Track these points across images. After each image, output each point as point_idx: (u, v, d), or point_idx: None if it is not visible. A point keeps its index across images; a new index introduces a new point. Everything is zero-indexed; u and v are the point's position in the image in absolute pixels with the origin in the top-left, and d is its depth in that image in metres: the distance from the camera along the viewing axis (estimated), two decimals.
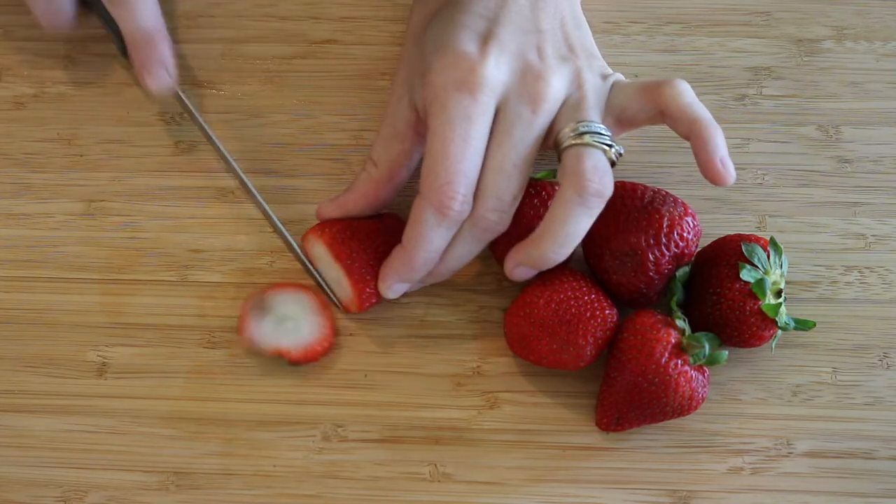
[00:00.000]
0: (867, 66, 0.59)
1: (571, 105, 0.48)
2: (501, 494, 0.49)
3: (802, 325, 0.49)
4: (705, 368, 0.48)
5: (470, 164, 0.46)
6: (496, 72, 0.46)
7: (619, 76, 0.51)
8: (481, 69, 0.46)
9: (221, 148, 0.55)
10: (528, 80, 0.47)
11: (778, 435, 0.50)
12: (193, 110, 0.55)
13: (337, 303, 0.52)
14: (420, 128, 0.50)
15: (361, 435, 0.50)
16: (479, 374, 0.52)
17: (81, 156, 0.57)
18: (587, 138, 0.46)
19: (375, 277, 0.50)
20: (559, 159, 0.47)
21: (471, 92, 0.46)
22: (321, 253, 0.51)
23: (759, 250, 0.49)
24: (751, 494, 0.49)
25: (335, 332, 0.51)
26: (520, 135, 0.46)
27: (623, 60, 0.59)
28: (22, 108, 0.58)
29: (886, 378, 0.51)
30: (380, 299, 0.50)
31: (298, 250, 0.53)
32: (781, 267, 0.49)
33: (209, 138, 0.55)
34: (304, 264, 0.53)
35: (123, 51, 0.55)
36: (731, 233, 0.51)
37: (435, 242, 0.47)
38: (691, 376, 0.47)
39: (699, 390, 0.47)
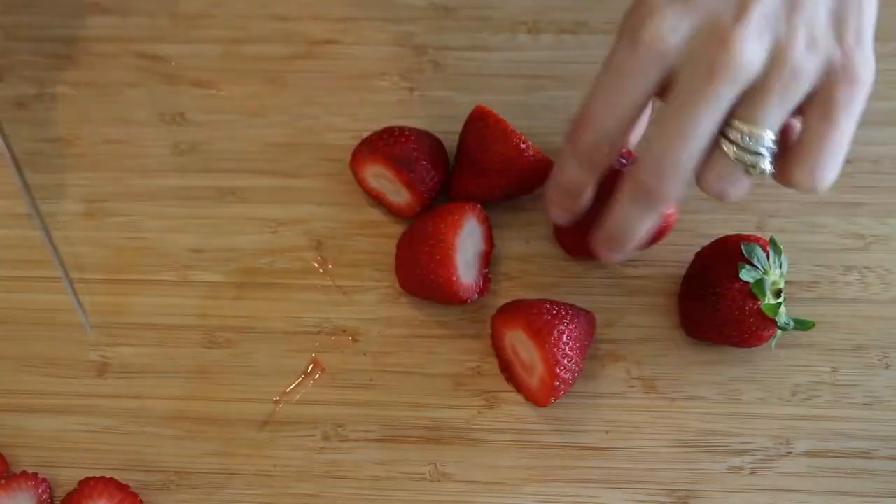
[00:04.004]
0: None
1: (756, 90, 0.41)
2: (501, 494, 0.49)
3: (802, 325, 0.49)
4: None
5: (611, 118, 0.43)
6: (670, 32, 0.40)
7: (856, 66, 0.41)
8: (651, 26, 0.41)
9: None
10: (709, 46, 0.40)
11: (777, 435, 0.50)
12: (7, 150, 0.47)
13: None
14: None
15: (361, 435, 0.50)
16: (479, 374, 0.52)
17: (81, 156, 0.57)
18: (738, 153, 0.42)
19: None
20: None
21: (633, 46, 0.41)
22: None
23: (759, 250, 0.49)
24: (750, 494, 0.49)
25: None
26: (690, 104, 0.41)
27: None
28: (22, 108, 0.58)
29: (886, 378, 0.52)
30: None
31: None
32: (781, 267, 0.49)
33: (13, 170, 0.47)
34: None
35: None
36: (731, 233, 0.51)
37: (572, 178, 0.45)
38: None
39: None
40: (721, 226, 0.54)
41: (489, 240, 0.51)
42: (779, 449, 0.50)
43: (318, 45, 0.59)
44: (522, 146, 0.51)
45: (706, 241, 0.51)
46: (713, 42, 0.40)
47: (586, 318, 0.49)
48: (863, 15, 0.42)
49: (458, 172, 0.53)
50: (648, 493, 0.49)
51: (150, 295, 0.53)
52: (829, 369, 0.52)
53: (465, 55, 0.58)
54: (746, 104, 0.41)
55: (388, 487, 0.49)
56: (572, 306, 0.49)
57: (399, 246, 0.51)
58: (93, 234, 0.55)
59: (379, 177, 0.53)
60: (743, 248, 0.49)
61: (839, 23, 0.41)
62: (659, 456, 0.50)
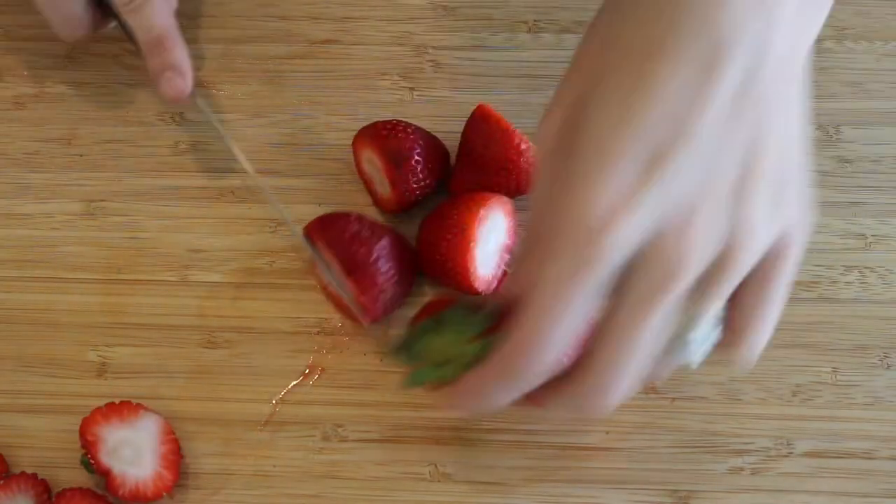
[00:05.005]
0: (867, 66, 0.59)
1: (707, 277, 0.37)
2: (501, 494, 0.49)
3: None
4: None
5: (561, 342, 0.37)
6: (626, 240, 0.35)
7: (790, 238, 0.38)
8: (607, 243, 0.35)
9: (237, 151, 0.54)
10: (666, 252, 0.35)
11: (778, 435, 0.50)
12: (211, 116, 0.54)
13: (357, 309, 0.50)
14: None
15: (361, 435, 0.50)
16: None
17: (81, 156, 0.57)
18: (689, 342, 0.39)
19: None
20: None
21: (585, 278, 0.35)
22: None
23: None
24: (751, 494, 0.49)
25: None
26: (645, 308, 0.36)
27: None
28: (22, 108, 0.58)
29: (886, 378, 0.51)
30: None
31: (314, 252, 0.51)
32: None
33: (224, 139, 0.55)
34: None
35: None
36: None
37: (499, 403, 0.40)
38: None
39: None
40: None
41: (514, 234, 0.51)
42: (779, 449, 0.50)
43: (318, 45, 0.59)
44: (523, 146, 0.51)
45: None
46: (670, 248, 0.35)
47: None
48: (802, 176, 0.39)
49: (458, 171, 0.53)
50: (648, 494, 0.49)
51: (149, 295, 0.53)
52: (829, 369, 0.52)
53: (465, 55, 0.58)
54: (697, 292, 0.37)
55: (388, 488, 0.49)
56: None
57: (422, 227, 0.52)
58: (92, 234, 0.55)
59: (371, 163, 0.53)
60: None
61: (781, 192, 0.37)
62: (659, 456, 0.50)
